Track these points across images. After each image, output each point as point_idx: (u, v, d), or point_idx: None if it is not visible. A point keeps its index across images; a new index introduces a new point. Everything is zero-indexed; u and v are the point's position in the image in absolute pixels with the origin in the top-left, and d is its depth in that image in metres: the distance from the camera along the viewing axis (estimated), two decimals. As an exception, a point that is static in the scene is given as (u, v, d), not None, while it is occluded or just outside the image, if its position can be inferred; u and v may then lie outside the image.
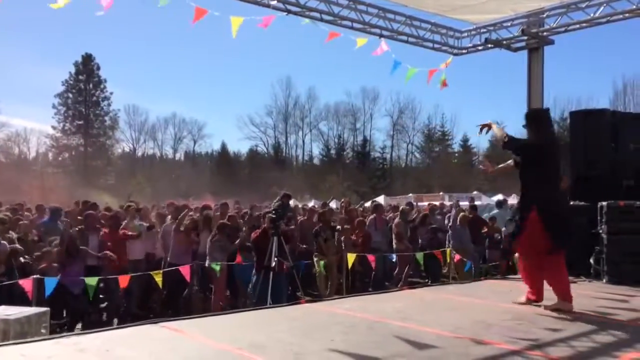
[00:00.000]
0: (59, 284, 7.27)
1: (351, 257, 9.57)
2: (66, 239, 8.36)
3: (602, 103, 53.77)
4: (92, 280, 7.45)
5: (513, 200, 17.98)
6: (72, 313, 8.20)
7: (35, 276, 6.95)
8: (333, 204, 19.46)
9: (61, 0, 6.04)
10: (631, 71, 67.81)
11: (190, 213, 10.06)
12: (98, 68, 54.12)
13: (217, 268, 8.64)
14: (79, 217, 10.14)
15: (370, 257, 10.11)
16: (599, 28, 9.45)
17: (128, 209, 10.16)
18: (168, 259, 9.15)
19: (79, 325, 8.02)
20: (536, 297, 5.64)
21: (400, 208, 13.14)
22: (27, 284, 6.82)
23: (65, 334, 5.27)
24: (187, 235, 9.26)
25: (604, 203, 7.78)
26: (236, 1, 8.19)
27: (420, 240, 11.99)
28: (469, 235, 11.46)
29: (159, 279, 8.00)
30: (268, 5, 8.35)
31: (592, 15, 8.98)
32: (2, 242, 7.80)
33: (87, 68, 53.81)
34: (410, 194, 34.96)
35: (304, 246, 10.73)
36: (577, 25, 9.37)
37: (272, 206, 9.35)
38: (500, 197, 19.01)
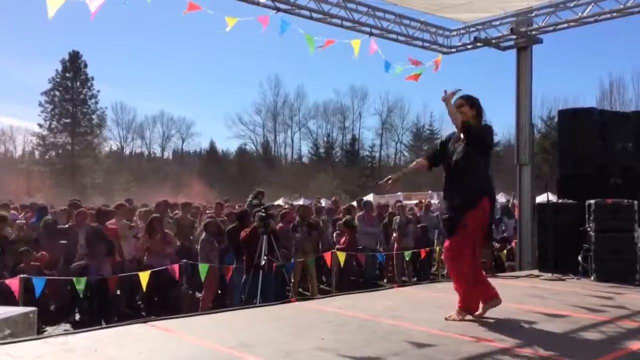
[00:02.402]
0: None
1: (341, 256, 9.55)
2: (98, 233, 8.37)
3: (588, 102, 54.30)
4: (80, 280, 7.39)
5: (502, 198, 18.07)
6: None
7: (22, 275, 6.88)
8: (322, 203, 19.48)
9: (52, 9, 5.94)
10: (618, 70, 68.55)
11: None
12: (85, 66, 53.47)
13: (204, 271, 8.51)
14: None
15: (361, 256, 10.09)
16: (586, 27, 9.51)
17: (120, 207, 10.07)
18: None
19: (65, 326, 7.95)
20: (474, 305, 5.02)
21: (399, 205, 13.34)
22: (14, 283, 6.75)
23: (53, 333, 5.22)
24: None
25: (592, 201, 7.84)
26: (226, -1, 8.17)
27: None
28: None
29: (145, 281, 7.91)
30: (257, 3, 8.29)
31: (580, 14, 9.03)
32: None
33: (74, 66, 53.11)
34: (400, 193, 35.07)
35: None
36: (565, 25, 9.41)
37: (247, 204, 9.28)
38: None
